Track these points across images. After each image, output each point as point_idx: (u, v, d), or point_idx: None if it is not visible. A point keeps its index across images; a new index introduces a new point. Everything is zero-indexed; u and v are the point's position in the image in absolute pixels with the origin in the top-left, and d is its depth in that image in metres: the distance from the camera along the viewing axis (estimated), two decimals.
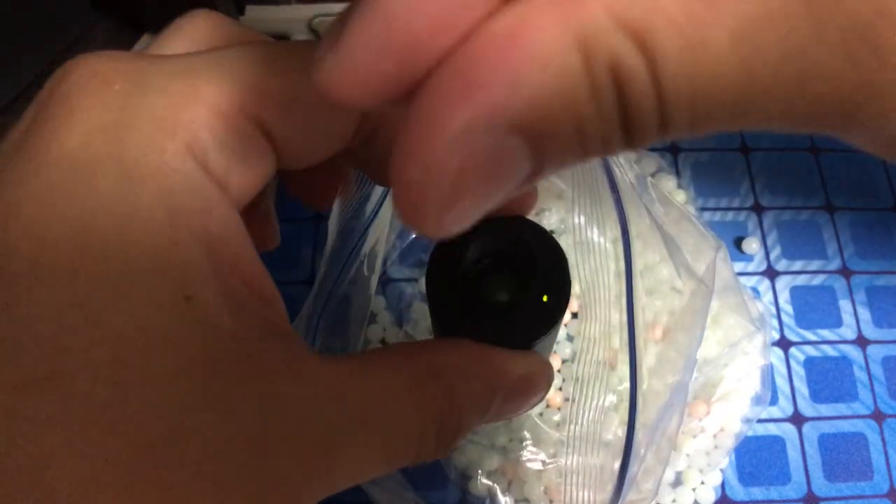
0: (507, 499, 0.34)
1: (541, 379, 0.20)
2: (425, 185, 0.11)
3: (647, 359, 0.36)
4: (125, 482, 0.13)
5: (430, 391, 0.18)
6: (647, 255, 0.37)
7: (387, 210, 0.28)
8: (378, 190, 0.27)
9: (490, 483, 0.35)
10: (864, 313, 0.39)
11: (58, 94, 0.15)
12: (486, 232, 0.21)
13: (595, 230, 0.39)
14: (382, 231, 0.29)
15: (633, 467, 0.23)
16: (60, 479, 0.13)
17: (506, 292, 0.21)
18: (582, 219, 0.39)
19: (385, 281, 0.40)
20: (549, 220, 0.39)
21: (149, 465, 0.13)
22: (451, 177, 0.11)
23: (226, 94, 0.16)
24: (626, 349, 0.36)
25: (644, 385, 0.31)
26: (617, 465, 0.24)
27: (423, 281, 0.39)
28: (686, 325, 0.28)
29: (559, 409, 0.36)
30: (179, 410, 0.14)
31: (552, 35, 0.10)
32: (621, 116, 0.11)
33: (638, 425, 0.23)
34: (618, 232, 0.39)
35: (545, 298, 0.20)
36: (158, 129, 0.15)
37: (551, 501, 0.34)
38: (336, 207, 0.22)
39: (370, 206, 0.27)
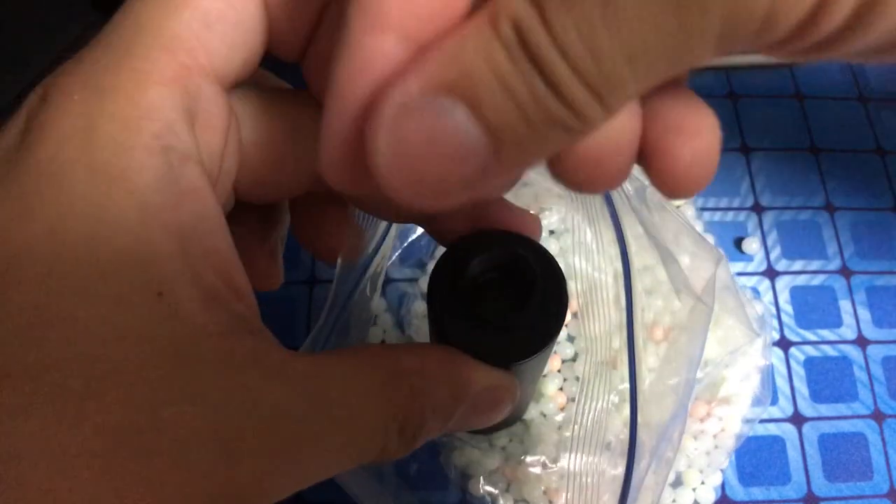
0: (507, 499, 0.34)
1: (505, 394, 0.21)
2: (379, 152, 0.13)
3: (647, 358, 0.36)
4: (97, 472, 0.13)
5: (394, 392, 0.18)
6: (646, 255, 0.37)
7: (391, 235, 0.28)
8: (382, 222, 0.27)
9: (490, 484, 0.35)
10: (864, 313, 0.39)
11: (30, 117, 0.16)
12: (491, 246, 0.21)
13: (595, 230, 0.39)
14: (385, 256, 0.29)
15: (638, 468, 0.23)
16: (31, 469, 0.13)
17: (502, 309, 0.22)
18: (582, 219, 0.39)
19: (385, 281, 0.40)
20: (550, 219, 0.39)
21: (121, 455, 0.14)
22: (401, 136, 0.13)
23: (170, 63, 0.16)
24: (625, 349, 0.36)
25: (645, 384, 0.31)
26: (620, 467, 0.24)
27: (423, 281, 0.39)
28: (684, 344, 0.28)
29: (561, 409, 0.36)
30: (151, 402, 0.14)
31: (474, 20, 0.12)
32: (532, 63, 0.12)
33: (640, 422, 0.23)
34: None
35: (531, 331, 0.21)
36: (123, 128, 0.15)
37: (550, 502, 0.34)
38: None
39: (378, 233, 0.27)
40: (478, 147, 0.13)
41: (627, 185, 0.27)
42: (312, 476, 0.17)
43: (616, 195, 0.25)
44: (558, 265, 0.22)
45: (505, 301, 0.22)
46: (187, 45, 0.16)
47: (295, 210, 0.22)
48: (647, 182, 0.41)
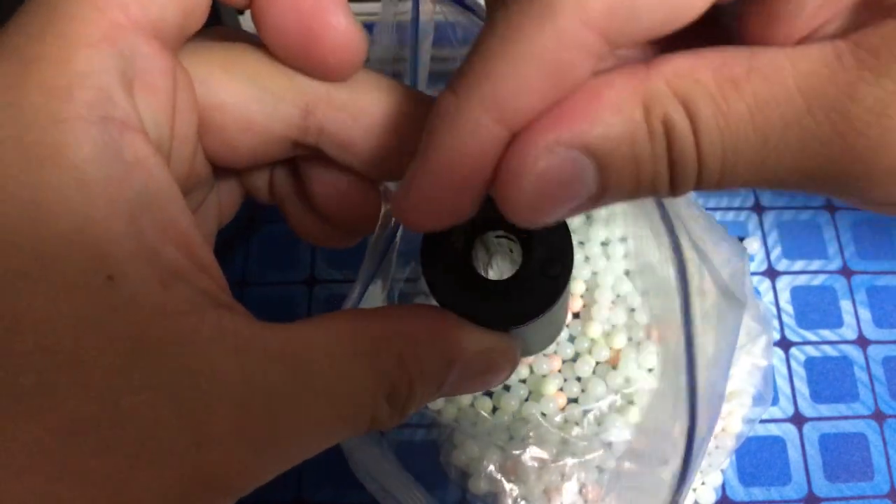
0: (507, 498, 0.34)
1: (502, 358, 0.20)
2: (519, 180, 0.15)
3: (647, 357, 0.36)
4: (54, 472, 0.13)
5: (380, 359, 0.17)
6: (648, 254, 0.37)
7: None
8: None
9: (490, 482, 0.35)
10: (865, 313, 0.39)
11: None
12: (486, 204, 0.20)
13: (599, 230, 0.39)
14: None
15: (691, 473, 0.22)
16: None
17: (502, 269, 0.21)
18: (586, 218, 0.39)
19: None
20: None
21: (80, 452, 0.13)
22: (538, 175, 0.14)
23: (99, 22, 0.15)
24: (634, 350, 0.36)
25: (647, 385, 0.31)
26: (619, 465, 0.24)
27: (423, 281, 0.39)
28: (712, 343, 0.27)
29: (562, 410, 0.36)
30: (110, 393, 0.13)
31: (624, 93, 0.14)
32: (668, 160, 0.15)
33: (651, 427, 0.22)
34: (620, 232, 0.39)
35: (529, 294, 0.19)
36: (52, 98, 0.14)
37: (550, 502, 0.34)
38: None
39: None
40: (589, 191, 0.15)
41: None
42: (297, 454, 0.16)
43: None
44: (565, 225, 0.20)
45: (504, 262, 0.21)
46: (117, 1, 0.15)
47: (310, 182, 0.21)
48: None
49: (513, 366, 0.21)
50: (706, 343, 0.27)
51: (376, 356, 0.17)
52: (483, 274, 0.20)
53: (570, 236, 0.20)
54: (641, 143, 0.14)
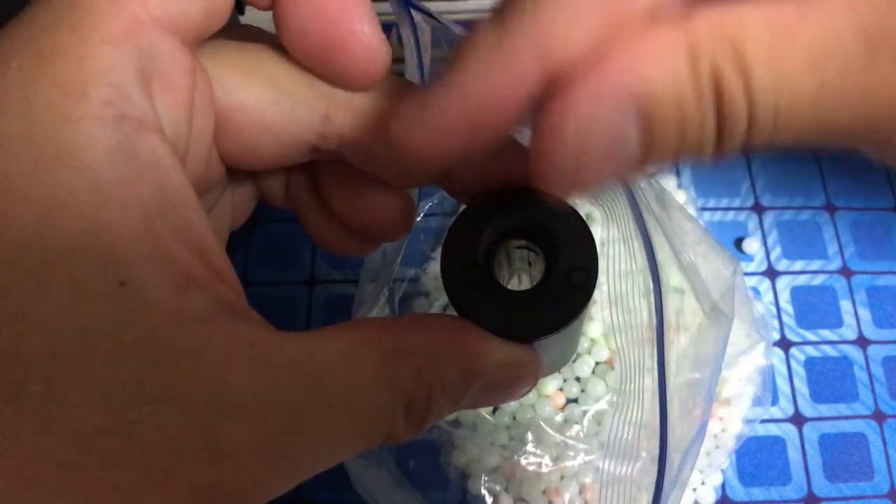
0: (507, 499, 0.34)
1: (524, 371, 0.19)
2: (561, 131, 0.14)
3: (648, 359, 0.36)
4: (63, 483, 0.12)
5: (397, 372, 0.16)
6: (641, 257, 0.37)
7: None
8: None
9: (490, 483, 0.35)
10: (865, 313, 0.39)
11: None
12: (511, 209, 0.19)
13: (597, 230, 0.38)
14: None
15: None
16: None
17: (521, 280, 0.20)
18: (584, 217, 0.39)
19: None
20: None
21: (89, 464, 0.13)
22: (579, 125, 0.13)
23: (118, 15, 0.14)
24: (622, 350, 0.36)
25: (644, 382, 0.31)
26: (620, 467, 0.24)
27: (424, 280, 0.39)
28: (701, 357, 0.27)
29: (561, 410, 0.36)
30: (120, 403, 0.13)
31: (667, 40, 0.13)
32: (716, 114, 0.13)
33: (643, 436, 0.22)
34: (615, 233, 0.39)
35: (554, 304, 0.19)
36: (66, 95, 0.14)
37: (550, 502, 0.34)
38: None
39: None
40: (631, 150, 0.14)
41: (647, 189, 0.26)
42: (311, 468, 0.15)
43: (639, 195, 0.25)
44: (588, 228, 0.19)
45: (527, 269, 0.20)
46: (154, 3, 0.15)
47: (327, 188, 0.20)
48: (665, 185, 0.41)
49: (535, 379, 0.20)
50: (696, 359, 0.27)
51: (395, 369, 0.16)
52: (504, 284, 0.19)
53: (594, 245, 0.19)
54: (687, 92, 0.13)
